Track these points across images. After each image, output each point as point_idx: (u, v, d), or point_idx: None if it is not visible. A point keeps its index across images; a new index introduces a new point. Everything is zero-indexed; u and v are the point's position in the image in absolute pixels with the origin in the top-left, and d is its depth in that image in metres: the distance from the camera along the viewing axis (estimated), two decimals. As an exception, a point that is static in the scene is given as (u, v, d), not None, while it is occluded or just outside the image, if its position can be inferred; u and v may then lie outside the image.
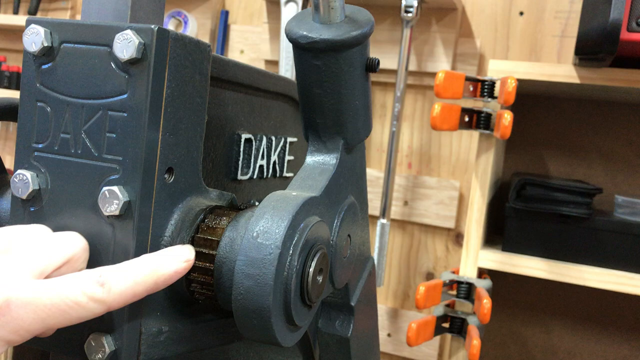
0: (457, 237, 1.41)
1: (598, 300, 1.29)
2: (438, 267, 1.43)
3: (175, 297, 0.41)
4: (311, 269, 0.40)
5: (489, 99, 0.98)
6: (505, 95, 0.85)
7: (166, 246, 0.40)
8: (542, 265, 1.01)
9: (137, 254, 0.37)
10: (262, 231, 0.37)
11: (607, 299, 1.28)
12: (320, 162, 0.48)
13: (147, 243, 0.38)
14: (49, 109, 0.39)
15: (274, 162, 0.60)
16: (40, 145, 0.40)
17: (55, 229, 0.39)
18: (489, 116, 0.98)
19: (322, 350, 0.57)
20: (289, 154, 0.63)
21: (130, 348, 0.38)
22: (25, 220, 0.40)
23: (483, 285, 0.99)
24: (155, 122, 0.37)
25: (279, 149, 0.61)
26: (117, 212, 0.37)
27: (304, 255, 0.39)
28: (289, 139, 0.63)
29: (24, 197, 0.40)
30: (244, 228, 0.40)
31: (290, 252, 0.38)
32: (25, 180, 0.39)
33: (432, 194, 1.39)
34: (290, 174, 0.64)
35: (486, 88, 0.97)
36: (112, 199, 0.37)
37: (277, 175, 0.61)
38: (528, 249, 1.05)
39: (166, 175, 0.39)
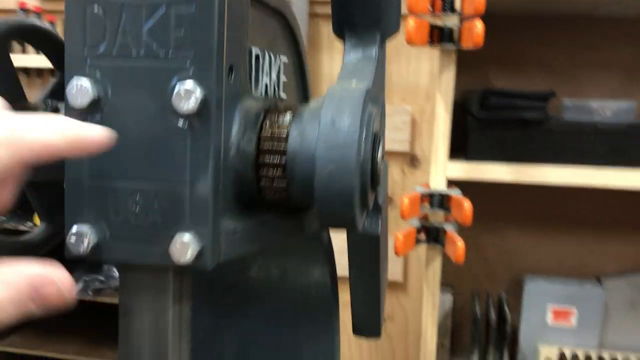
0: (412, 160, 1.46)
1: (552, 200, 1.39)
2: (396, 189, 1.48)
3: (245, 195, 0.42)
4: (378, 154, 0.41)
5: (450, 13, 1.01)
6: (475, 4, 0.89)
7: (234, 148, 0.40)
8: (506, 169, 1.08)
9: (214, 155, 0.37)
10: (339, 118, 0.38)
11: (561, 198, 1.39)
12: (361, 56, 0.49)
13: (221, 143, 0.38)
14: (101, 11, 0.38)
15: (273, 82, 0.61)
16: (94, 52, 0.38)
17: (118, 138, 0.38)
18: (451, 30, 1.02)
19: (352, 252, 0.59)
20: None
21: (214, 247, 0.38)
22: None
23: (457, 193, 1.05)
24: (221, 14, 0.37)
25: (277, 67, 0.61)
26: (195, 110, 0.36)
27: (371, 142, 0.41)
28: (283, 59, 0.63)
29: (85, 106, 0.38)
30: (309, 121, 0.41)
31: (364, 136, 0.39)
32: (84, 88, 0.38)
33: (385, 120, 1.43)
34: (284, 96, 0.64)
35: (447, 2, 1.00)
36: (189, 95, 0.36)
37: (276, 95, 0.62)
38: (491, 156, 1.11)
39: (229, 74, 0.39)
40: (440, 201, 1.08)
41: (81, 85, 0.37)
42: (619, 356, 1.25)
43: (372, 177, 0.41)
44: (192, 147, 0.37)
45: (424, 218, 1.12)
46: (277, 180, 0.41)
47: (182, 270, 0.40)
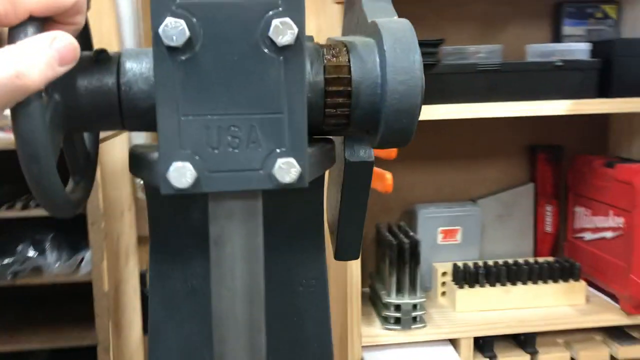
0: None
1: (430, 136, 1.57)
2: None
3: (313, 122, 0.46)
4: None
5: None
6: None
7: (310, 82, 0.45)
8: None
9: (305, 85, 0.42)
10: (402, 48, 0.46)
11: (436, 134, 1.57)
12: None
13: (306, 75, 0.43)
14: None
15: None
16: None
17: (211, 72, 0.41)
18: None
19: (348, 180, 0.66)
20: None
21: (305, 169, 0.43)
22: (176, 70, 0.41)
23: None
24: None
25: None
26: (292, 42, 0.41)
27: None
28: None
29: (180, 45, 0.41)
30: (366, 52, 0.47)
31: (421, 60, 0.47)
32: (179, 27, 0.39)
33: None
34: None
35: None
36: (286, 29, 0.41)
37: None
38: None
39: None
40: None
41: (176, 24, 0.39)
42: (495, 262, 1.48)
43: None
44: (287, 78, 0.42)
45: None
46: (341, 106, 0.47)
47: (271, 195, 0.45)
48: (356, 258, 0.65)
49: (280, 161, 0.43)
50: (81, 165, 0.52)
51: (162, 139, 0.42)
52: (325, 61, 0.47)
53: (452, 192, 1.63)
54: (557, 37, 1.55)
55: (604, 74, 1.33)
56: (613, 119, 1.62)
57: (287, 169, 0.43)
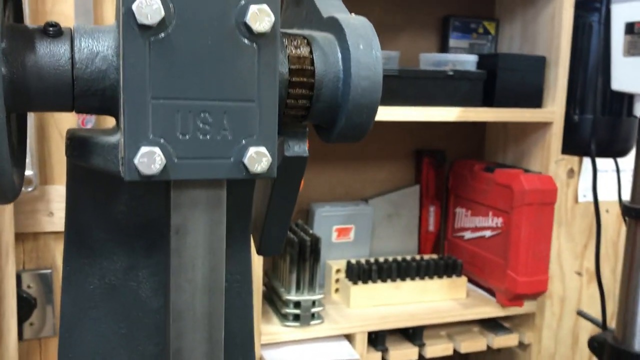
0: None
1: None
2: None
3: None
4: None
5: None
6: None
7: (280, 70, 0.45)
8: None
9: (278, 74, 0.42)
10: (365, 44, 0.47)
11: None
12: None
13: (278, 63, 0.43)
14: None
15: None
16: None
17: (183, 54, 0.40)
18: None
19: (281, 174, 0.66)
20: None
21: (275, 159, 0.43)
22: (147, 50, 0.39)
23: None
24: None
25: None
26: (268, 30, 0.41)
27: None
28: None
29: (155, 24, 0.39)
30: (328, 47, 0.48)
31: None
32: (154, 5, 0.37)
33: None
34: None
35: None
36: (264, 16, 0.40)
37: None
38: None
39: None
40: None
41: (150, 2, 0.37)
42: (385, 259, 1.54)
43: None
44: (260, 65, 0.42)
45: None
46: (303, 98, 0.47)
47: (237, 185, 0.45)
48: (279, 253, 0.66)
49: (252, 150, 0.42)
50: (15, 147, 0.48)
51: (128, 122, 0.40)
52: (288, 54, 0.47)
53: (345, 191, 1.67)
54: (444, 48, 1.66)
55: (488, 84, 1.45)
56: (490, 127, 1.76)
57: (258, 159, 0.43)
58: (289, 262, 1.33)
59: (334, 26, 0.49)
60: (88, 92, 0.43)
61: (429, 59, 1.45)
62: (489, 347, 1.55)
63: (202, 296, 0.46)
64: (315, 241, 1.34)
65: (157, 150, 0.40)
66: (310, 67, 0.47)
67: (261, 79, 0.42)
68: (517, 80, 1.45)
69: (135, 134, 0.40)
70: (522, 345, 1.61)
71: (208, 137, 0.42)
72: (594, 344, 1.28)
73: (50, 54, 0.41)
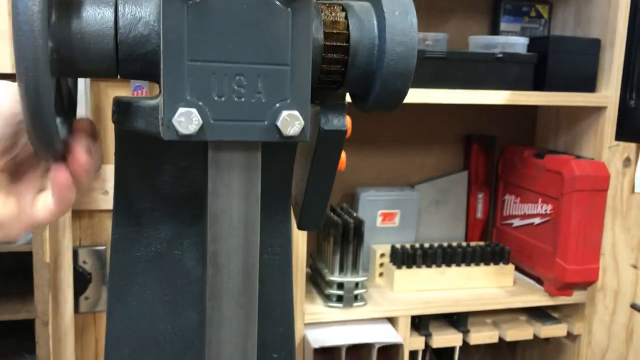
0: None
1: (371, 122, 1.60)
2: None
3: (312, 78, 0.47)
4: None
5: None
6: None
7: (315, 36, 0.46)
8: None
9: (311, 38, 0.43)
10: (400, 11, 0.47)
11: (378, 121, 1.60)
12: None
13: (312, 27, 0.44)
14: None
15: None
16: None
17: (220, 18, 0.41)
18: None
19: (320, 148, 0.66)
20: None
21: (308, 123, 0.44)
22: (185, 13, 0.40)
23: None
24: None
25: None
26: None
27: None
28: None
29: None
30: (364, 14, 0.48)
31: None
32: None
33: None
34: None
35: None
36: None
37: None
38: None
39: None
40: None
41: None
42: (430, 244, 1.54)
43: None
44: (294, 30, 0.42)
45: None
46: (338, 62, 0.48)
47: (277, 154, 0.45)
48: (319, 229, 0.66)
49: (284, 113, 0.43)
50: (65, 107, 0.50)
51: (167, 84, 0.41)
52: (323, 22, 0.48)
53: (392, 176, 1.67)
54: (495, 32, 1.62)
55: (539, 68, 1.41)
56: (542, 112, 1.72)
57: (291, 122, 0.43)
58: (333, 244, 1.34)
59: None
60: (131, 57, 0.45)
61: (479, 42, 1.43)
62: (536, 337, 1.52)
63: (238, 255, 0.47)
64: (359, 224, 1.35)
65: (194, 111, 0.41)
66: (345, 32, 0.47)
67: (295, 43, 0.43)
68: (569, 64, 1.41)
69: (173, 95, 0.41)
70: (570, 336, 1.57)
71: (243, 99, 0.43)
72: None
73: (95, 20, 0.43)
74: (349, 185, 1.62)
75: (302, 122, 0.44)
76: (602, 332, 1.96)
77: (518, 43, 1.41)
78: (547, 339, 1.60)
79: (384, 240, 1.56)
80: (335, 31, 0.47)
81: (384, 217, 1.57)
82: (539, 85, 1.42)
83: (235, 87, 0.42)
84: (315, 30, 0.47)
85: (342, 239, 1.33)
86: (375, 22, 0.48)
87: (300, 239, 1.28)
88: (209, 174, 0.46)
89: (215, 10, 0.41)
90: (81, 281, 1.44)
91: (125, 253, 0.56)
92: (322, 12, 0.48)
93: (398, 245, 1.49)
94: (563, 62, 1.41)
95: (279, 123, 0.43)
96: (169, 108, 0.41)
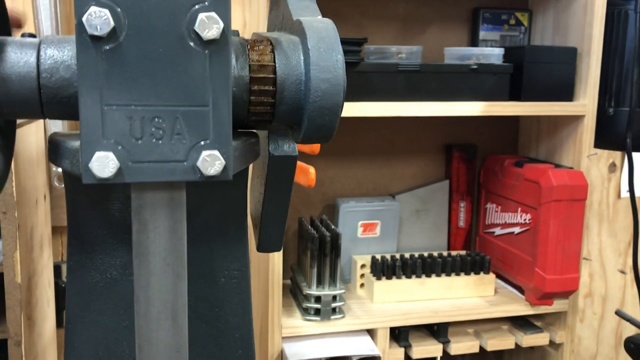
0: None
1: (350, 133, 1.60)
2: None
3: (237, 116, 0.48)
4: None
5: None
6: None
7: (235, 76, 0.46)
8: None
9: (230, 79, 0.43)
10: (326, 47, 0.47)
11: (356, 131, 1.61)
12: None
13: (231, 69, 0.44)
14: None
15: None
16: None
17: (135, 62, 0.42)
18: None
19: (271, 173, 0.67)
20: None
21: (230, 162, 0.44)
22: (100, 59, 0.41)
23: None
24: None
25: None
26: (217, 36, 0.42)
27: None
28: None
29: (105, 34, 0.40)
30: (291, 50, 0.49)
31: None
32: (103, 16, 0.39)
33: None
34: None
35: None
36: (212, 23, 0.41)
37: None
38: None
39: None
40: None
41: (100, 14, 0.39)
42: (411, 254, 1.54)
43: None
44: (212, 71, 0.43)
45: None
46: (265, 104, 0.48)
47: (195, 187, 0.46)
48: (278, 250, 0.66)
49: (204, 153, 0.44)
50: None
51: (84, 128, 0.42)
52: (250, 59, 0.48)
53: (372, 187, 1.67)
54: (474, 41, 1.63)
55: (515, 78, 1.41)
56: (523, 121, 1.72)
57: (211, 162, 0.44)
58: (310, 257, 1.34)
59: (299, 29, 0.50)
60: (54, 100, 0.45)
61: (454, 53, 1.43)
62: (518, 346, 1.52)
63: (166, 294, 0.47)
64: (336, 237, 1.35)
65: (110, 155, 0.42)
66: (271, 74, 0.48)
67: (214, 83, 0.43)
68: (546, 73, 1.41)
69: (90, 138, 0.42)
70: (553, 345, 1.57)
71: (161, 141, 0.43)
72: (630, 345, 1.24)
73: (18, 64, 0.44)
74: (329, 196, 1.63)
75: (223, 162, 0.44)
76: (590, 338, 1.96)
77: (493, 54, 1.41)
78: (532, 348, 1.60)
79: (366, 251, 1.57)
80: (261, 70, 0.48)
81: (365, 227, 1.57)
82: (515, 95, 1.42)
83: (154, 129, 0.43)
84: (240, 68, 0.47)
85: (319, 252, 1.34)
86: (302, 59, 0.48)
87: (275, 254, 1.28)
88: (132, 214, 0.46)
89: (130, 55, 0.41)
90: (64, 296, 1.45)
91: (80, 279, 0.57)
92: (250, 47, 0.48)
93: (378, 256, 1.49)
94: (540, 71, 1.41)
95: (199, 163, 0.44)
96: (86, 152, 0.42)
